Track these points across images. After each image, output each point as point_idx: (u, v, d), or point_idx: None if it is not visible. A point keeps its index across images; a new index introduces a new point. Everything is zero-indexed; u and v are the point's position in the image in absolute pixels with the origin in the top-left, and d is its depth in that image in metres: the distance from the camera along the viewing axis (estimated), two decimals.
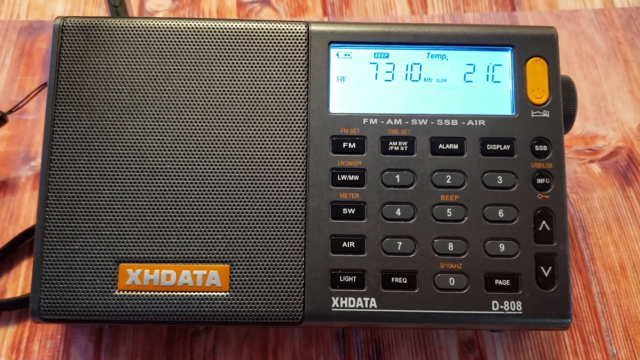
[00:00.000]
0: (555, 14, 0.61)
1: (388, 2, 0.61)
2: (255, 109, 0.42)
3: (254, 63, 0.42)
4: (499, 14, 0.61)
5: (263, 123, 0.42)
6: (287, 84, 0.42)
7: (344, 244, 0.40)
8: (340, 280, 0.40)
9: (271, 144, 0.41)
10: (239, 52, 0.42)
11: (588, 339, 0.46)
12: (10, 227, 0.49)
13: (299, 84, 0.42)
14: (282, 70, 0.42)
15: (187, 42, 0.42)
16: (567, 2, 0.61)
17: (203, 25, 0.43)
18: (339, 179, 0.41)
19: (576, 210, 0.51)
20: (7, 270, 0.47)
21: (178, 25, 0.43)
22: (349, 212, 0.41)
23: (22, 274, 0.47)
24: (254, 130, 0.41)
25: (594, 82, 0.57)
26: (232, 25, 0.43)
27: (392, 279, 0.40)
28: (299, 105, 0.42)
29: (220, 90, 0.42)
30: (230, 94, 0.42)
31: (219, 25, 0.43)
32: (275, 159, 0.41)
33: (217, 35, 0.43)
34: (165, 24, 0.43)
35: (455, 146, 0.42)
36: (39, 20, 0.59)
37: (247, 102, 0.42)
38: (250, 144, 0.41)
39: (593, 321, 0.46)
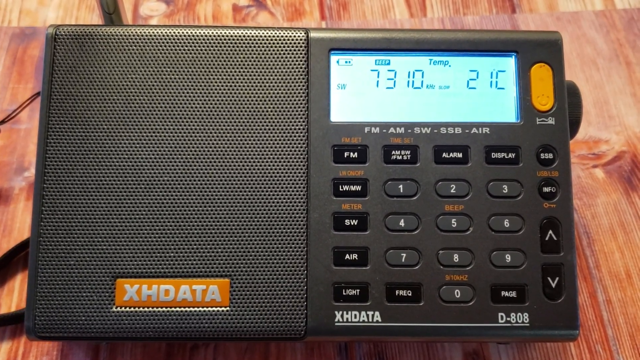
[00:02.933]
0: (555, 16, 0.60)
1: (386, 5, 0.60)
2: (254, 118, 0.41)
3: (252, 71, 0.41)
4: (499, 16, 0.60)
5: (262, 133, 0.41)
6: (286, 93, 0.41)
7: (347, 256, 0.39)
8: (344, 293, 0.39)
9: (271, 154, 0.40)
10: (237, 60, 0.41)
11: (595, 349, 0.45)
12: (4, 240, 0.48)
13: (299, 92, 0.41)
14: (282, 78, 0.41)
15: (184, 50, 0.41)
16: (568, 3, 0.61)
17: (200, 32, 0.42)
18: (340, 189, 0.40)
19: (580, 216, 0.50)
20: (1, 284, 0.46)
21: (174, 33, 0.42)
22: (352, 223, 0.40)
23: (17, 288, 0.46)
24: (253, 140, 0.40)
25: (597, 86, 0.56)
26: (229, 33, 0.42)
27: (397, 292, 0.39)
28: (299, 114, 0.41)
29: (218, 99, 0.41)
30: (228, 103, 0.41)
31: (216, 33, 0.42)
32: (276, 169, 0.40)
33: (214, 43, 0.42)
34: (161, 32, 0.42)
35: (459, 155, 0.41)
36: (30, 27, 0.58)
37: (246, 111, 0.41)
38: (249, 154, 0.40)
39: (599, 330, 0.45)
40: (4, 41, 0.57)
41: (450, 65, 0.42)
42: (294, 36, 0.42)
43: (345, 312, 0.39)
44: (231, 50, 0.41)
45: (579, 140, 0.53)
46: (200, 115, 0.41)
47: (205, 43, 0.42)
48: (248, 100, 0.41)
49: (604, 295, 0.47)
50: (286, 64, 0.42)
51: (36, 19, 0.58)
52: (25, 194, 0.50)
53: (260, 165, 0.40)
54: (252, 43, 0.42)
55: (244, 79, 0.41)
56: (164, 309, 0.38)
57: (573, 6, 0.60)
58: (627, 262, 0.48)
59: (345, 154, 0.41)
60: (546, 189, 0.40)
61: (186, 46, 0.41)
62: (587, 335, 0.45)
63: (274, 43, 0.42)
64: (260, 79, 0.41)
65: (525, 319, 0.39)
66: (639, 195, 0.51)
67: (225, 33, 0.42)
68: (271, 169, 0.40)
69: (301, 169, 0.40)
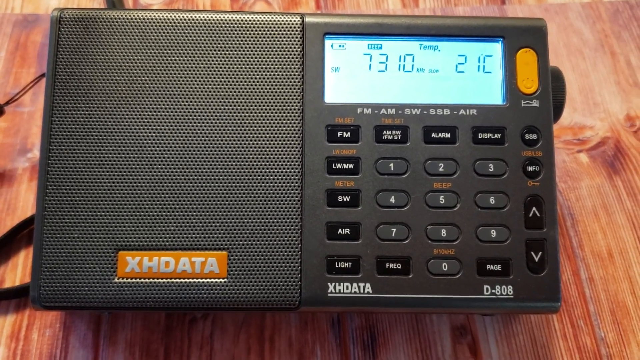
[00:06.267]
0: (544, 7, 0.62)
1: None
2: (251, 99, 0.42)
3: (250, 54, 0.43)
4: (489, 7, 0.62)
5: (259, 113, 0.42)
6: (282, 75, 0.43)
7: (340, 231, 0.41)
8: (336, 266, 0.41)
9: (268, 134, 0.42)
10: (235, 44, 0.43)
11: (577, 323, 0.47)
12: (8, 218, 0.49)
13: (295, 75, 0.43)
14: (278, 61, 0.43)
15: (184, 33, 0.43)
16: None
17: (199, 17, 0.43)
18: (334, 167, 0.42)
19: (565, 198, 0.52)
20: (5, 260, 0.48)
21: (175, 17, 0.43)
22: (344, 199, 0.42)
23: (20, 264, 0.48)
24: (251, 120, 0.42)
25: (582, 74, 0.58)
26: (228, 17, 0.43)
27: (387, 265, 0.41)
28: (294, 96, 0.43)
29: (217, 81, 0.43)
30: (227, 85, 0.42)
31: (216, 17, 0.43)
32: (272, 148, 0.42)
33: (213, 26, 0.43)
34: (162, 16, 0.43)
35: (448, 135, 0.42)
36: (33, 14, 0.59)
37: (243, 92, 0.42)
38: (247, 134, 0.42)
39: (582, 306, 0.47)
40: (7, 27, 0.58)
41: (439, 50, 0.44)
42: (290, 21, 0.44)
43: (337, 284, 0.40)
44: (230, 34, 0.43)
45: (564, 126, 0.55)
46: (199, 95, 0.42)
47: (205, 27, 0.43)
48: (246, 82, 0.43)
49: (586, 273, 0.49)
50: (282, 48, 0.43)
51: (38, 6, 0.60)
52: (28, 174, 0.51)
53: (257, 144, 0.42)
54: (250, 27, 0.43)
55: (242, 61, 0.43)
56: (164, 280, 0.40)
57: None
58: (609, 242, 0.50)
59: (339, 134, 0.42)
60: (530, 168, 0.42)
61: (186, 30, 0.43)
62: (570, 310, 0.47)
63: (271, 27, 0.43)
64: (258, 61, 0.43)
65: (510, 292, 0.41)
66: (621, 179, 0.53)
67: (224, 17, 0.43)
68: (268, 148, 0.42)
69: (296, 148, 0.42)
